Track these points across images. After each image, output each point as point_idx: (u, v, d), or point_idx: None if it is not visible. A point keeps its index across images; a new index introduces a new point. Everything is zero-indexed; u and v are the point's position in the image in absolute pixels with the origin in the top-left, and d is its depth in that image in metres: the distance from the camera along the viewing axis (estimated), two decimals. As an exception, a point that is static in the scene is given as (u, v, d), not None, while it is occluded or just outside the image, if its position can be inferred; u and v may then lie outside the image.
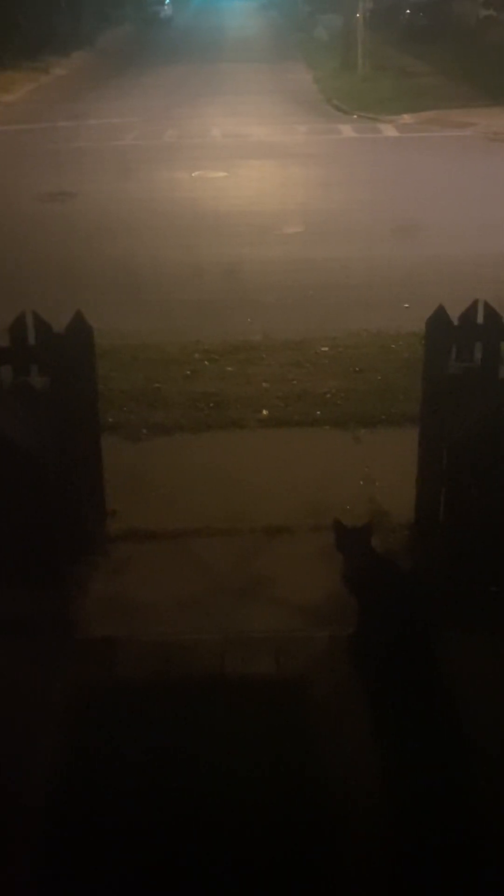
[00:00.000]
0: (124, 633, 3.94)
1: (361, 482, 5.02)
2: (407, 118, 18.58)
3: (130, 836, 2.99)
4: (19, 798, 3.15)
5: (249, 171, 14.28)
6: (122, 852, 2.96)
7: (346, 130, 18.05)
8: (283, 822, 3.04)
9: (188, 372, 6.59)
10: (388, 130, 17.94)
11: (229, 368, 6.65)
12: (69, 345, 4.23)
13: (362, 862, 2.93)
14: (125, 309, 7.79)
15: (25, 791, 3.17)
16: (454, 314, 4.15)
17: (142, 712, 3.49)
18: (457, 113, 18.63)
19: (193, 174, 14.08)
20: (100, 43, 35.00)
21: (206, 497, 4.94)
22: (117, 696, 3.59)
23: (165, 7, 46.23)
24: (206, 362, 6.77)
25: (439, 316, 4.14)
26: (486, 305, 4.18)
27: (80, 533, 4.37)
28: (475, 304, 4.19)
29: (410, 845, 2.98)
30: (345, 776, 3.21)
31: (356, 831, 3.02)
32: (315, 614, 4.02)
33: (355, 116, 19.25)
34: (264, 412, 5.91)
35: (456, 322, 4.15)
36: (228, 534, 4.64)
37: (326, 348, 6.91)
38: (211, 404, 6.02)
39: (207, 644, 3.85)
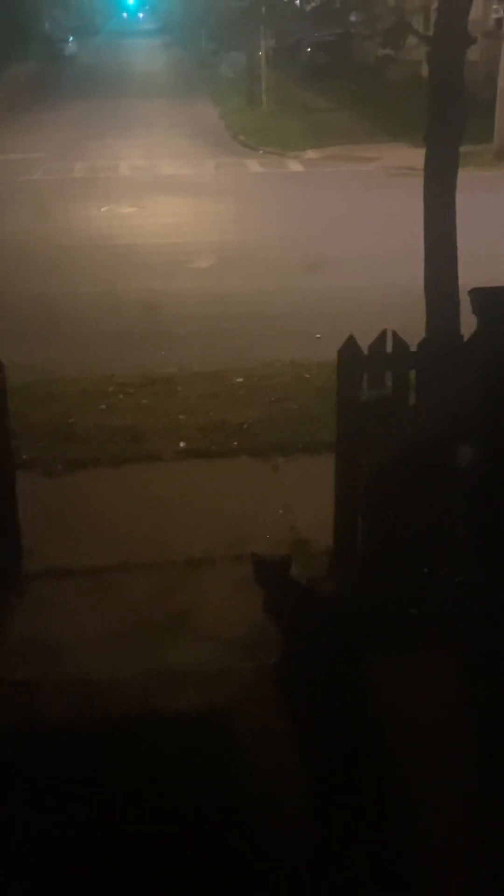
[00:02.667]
0: (44, 675, 3.85)
1: (281, 511, 5.05)
2: (311, 154, 19.01)
3: (50, 884, 2.91)
4: None
5: (159, 206, 14.37)
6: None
7: (253, 165, 18.35)
8: (210, 858, 3.00)
9: (103, 406, 6.55)
10: (294, 166, 18.32)
11: (145, 401, 6.63)
12: (-20, 382, 4.16)
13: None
14: (37, 344, 7.71)
15: None
16: (364, 343, 4.25)
17: (64, 755, 3.41)
18: (359, 148, 19.16)
19: (103, 209, 14.09)
20: (5, 79, 34.84)
21: (125, 531, 4.90)
22: (38, 739, 3.50)
23: (69, 44, 46.30)
24: (121, 396, 6.73)
25: (350, 346, 4.23)
26: (395, 335, 4.29)
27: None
28: (384, 333, 4.29)
29: (336, 876, 2.98)
30: (273, 807, 3.20)
31: (282, 864, 3.01)
32: (238, 645, 4.01)
33: (261, 152, 19.61)
34: (182, 444, 5.91)
35: (366, 351, 4.24)
36: (149, 568, 4.60)
37: (241, 379, 6.97)
38: (127, 438, 5.98)
39: (130, 681, 3.80)
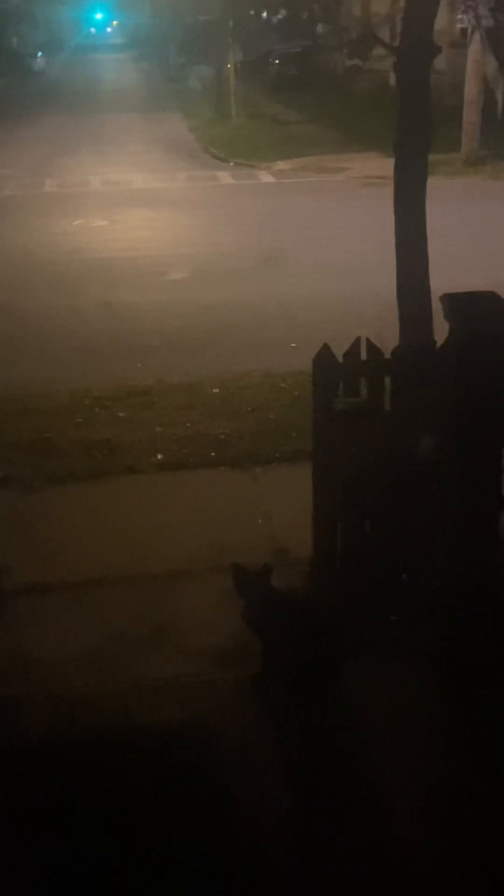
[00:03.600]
0: (23, 690, 3.82)
1: (260, 520, 5.05)
2: (282, 165, 19.11)
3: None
4: None
5: (131, 219, 14.38)
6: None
7: (225, 177, 18.42)
8: (194, 871, 2.98)
9: (79, 420, 6.52)
10: (265, 177, 18.40)
11: (121, 414, 6.62)
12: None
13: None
14: (11, 359, 7.68)
15: None
16: (339, 351, 4.26)
17: (47, 772, 3.38)
18: (330, 159, 19.28)
19: (75, 223, 14.07)
20: (-27, 95, 34.77)
21: (104, 545, 4.87)
22: (19, 756, 3.47)
23: (38, 59, 46.31)
24: (97, 409, 6.71)
25: (324, 354, 4.25)
26: (368, 342, 4.31)
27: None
28: (358, 340, 4.31)
29: (322, 886, 2.97)
30: (256, 817, 3.18)
31: (267, 875, 2.99)
32: (219, 657, 4.00)
33: (232, 164, 19.68)
34: (159, 456, 5.89)
35: (341, 359, 4.25)
36: (128, 581, 4.58)
37: (218, 390, 6.97)
38: (104, 451, 5.96)
39: (111, 695, 3.77)
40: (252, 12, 28.76)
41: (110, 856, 3.03)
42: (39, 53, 47.57)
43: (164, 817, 3.17)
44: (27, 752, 3.49)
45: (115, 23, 77.99)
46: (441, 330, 4.21)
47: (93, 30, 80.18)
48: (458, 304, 3.88)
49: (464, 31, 21.90)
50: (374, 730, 3.55)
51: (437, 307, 5.06)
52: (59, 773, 3.36)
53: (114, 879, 2.96)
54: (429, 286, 5.68)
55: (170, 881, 2.96)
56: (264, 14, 31.27)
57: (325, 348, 4.25)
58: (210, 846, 3.06)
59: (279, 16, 30.00)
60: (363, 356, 4.30)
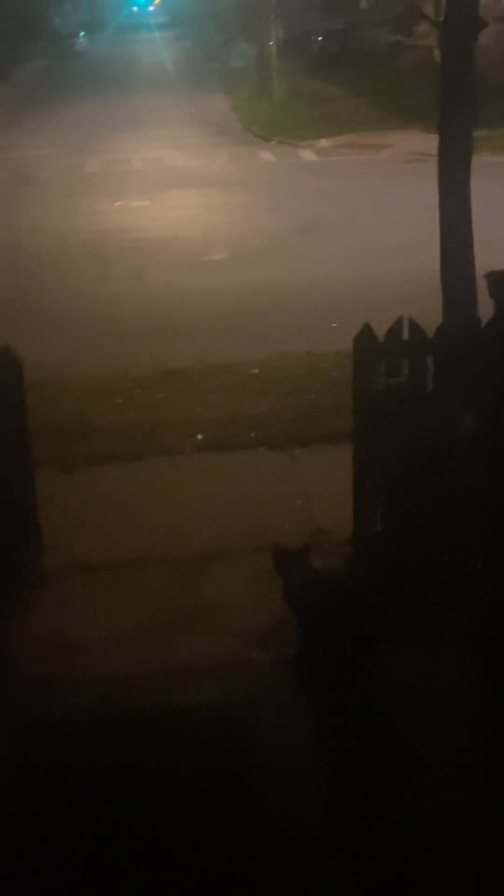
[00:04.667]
0: (65, 669, 3.86)
1: (299, 501, 5.03)
2: (324, 143, 18.92)
3: (72, 878, 2.92)
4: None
5: (172, 200, 14.35)
6: (63, 888, 2.88)
7: (266, 156, 18.29)
8: (232, 852, 3.00)
9: (120, 401, 6.55)
10: (307, 155, 18.23)
11: (161, 395, 6.63)
12: (-3, 379, 4.17)
13: (312, 885, 2.91)
14: (53, 341, 7.72)
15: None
16: (381, 331, 4.22)
17: (86, 750, 3.42)
18: (372, 136, 19.04)
19: (116, 204, 14.08)
20: (15, 77, 34.88)
21: (144, 526, 4.90)
22: (60, 734, 3.51)
23: (80, 40, 46.23)
24: (137, 390, 6.73)
25: (366, 334, 4.20)
26: (411, 321, 4.26)
27: (16, 569, 4.29)
28: (400, 320, 4.26)
29: (359, 866, 2.97)
30: (294, 798, 3.19)
31: (306, 854, 3.00)
32: (258, 637, 4.00)
33: (274, 142, 19.53)
34: (198, 437, 5.90)
35: (382, 339, 4.21)
36: (168, 561, 4.60)
37: (257, 371, 6.95)
38: (144, 432, 5.98)
39: (151, 675, 3.80)
40: (294, -12, 28.46)
41: (148, 834, 3.06)
42: (81, 33, 47.47)
43: (201, 796, 3.19)
44: (67, 730, 3.53)
45: (157, 1, 77.57)
46: (487, 309, 4.16)
47: (135, 9, 79.80)
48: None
49: (510, 4, 21.43)
50: (413, 712, 3.54)
51: (481, 286, 4.99)
52: (98, 752, 3.40)
53: (150, 856, 2.99)
54: (473, 264, 5.61)
55: (206, 860, 2.98)
56: (307, -10, 30.93)
57: (367, 328, 4.21)
58: (248, 826, 3.08)
59: (321, -8, 29.65)
60: (405, 336, 4.25)
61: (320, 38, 32.06)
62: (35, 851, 3.03)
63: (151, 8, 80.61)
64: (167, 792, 3.21)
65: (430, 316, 4.67)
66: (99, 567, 4.55)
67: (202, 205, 13.94)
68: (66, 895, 2.90)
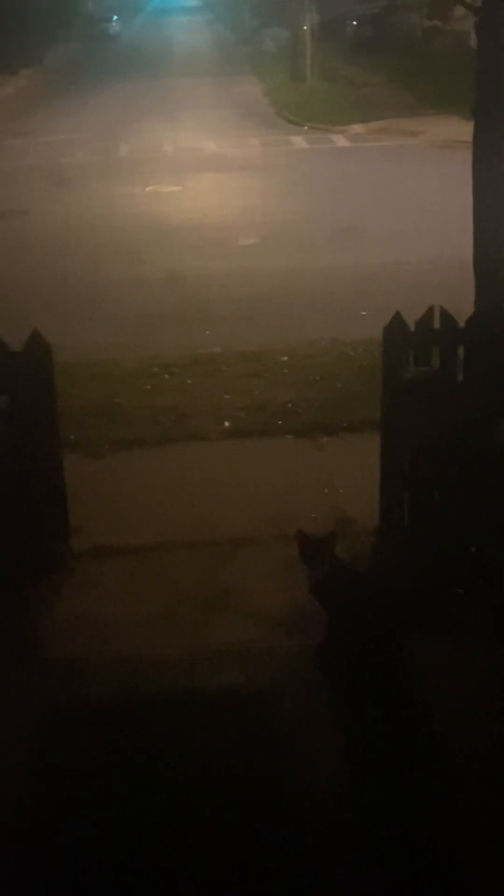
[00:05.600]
0: (91, 652, 3.90)
1: (325, 490, 5.03)
2: (357, 128, 18.76)
3: (100, 857, 2.95)
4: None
5: (203, 185, 14.31)
6: (90, 872, 2.92)
7: (298, 142, 18.18)
8: (253, 834, 3.02)
9: (148, 386, 6.57)
10: (340, 141, 18.10)
11: (189, 381, 6.64)
12: (27, 363, 4.20)
13: (336, 871, 2.92)
14: (83, 325, 7.75)
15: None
16: (411, 320, 4.19)
17: (111, 730, 3.45)
18: (406, 122, 18.85)
19: (147, 189, 14.07)
20: (48, 61, 34.88)
21: (170, 511, 4.92)
22: (86, 715, 3.55)
23: (113, 24, 46.15)
24: (165, 376, 6.75)
25: (396, 322, 4.17)
26: (442, 310, 4.22)
27: (43, 552, 4.33)
28: (431, 309, 4.23)
29: (384, 852, 2.97)
30: (316, 785, 3.20)
31: (328, 840, 3.01)
32: (282, 624, 4.01)
33: (306, 128, 19.39)
34: (226, 423, 5.90)
35: (413, 328, 4.18)
36: (193, 547, 4.62)
37: (286, 358, 6.93)
38: (172, 417, 6.00)
39: (176, 659, 3.82)
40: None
41: (168, 818, 3.08)
42: (114, 17, 47.40)
43: (221, 781, 3.21)
44: (92, 711, 3.56)
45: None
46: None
47: (168, -8, 79.48)
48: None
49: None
50: (437, 703, 3.53)
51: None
52: (121, 734, 3.43)
53: (171, 840, 3.01)
54: (505, 253, 5.55)
55: (227, 846, 3.00)
56: (342, -27, 30.60)
57: (397, 317, 4.18)
58: (267, 812, 3.09)
59: (357, -25, 29.31)
60: (436, 325, 4.22)
61: (355, 23, 31.70)
62: (60, 833, 3.07)
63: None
64: (184, 773, 3.23)
65: (464, 304, 4.62)
66: (124, 550, 4.58)
67: (233, 190, 13.89)
68: (84, 879, 2.92)
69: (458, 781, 3.21)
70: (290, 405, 6.08)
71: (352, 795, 3.18)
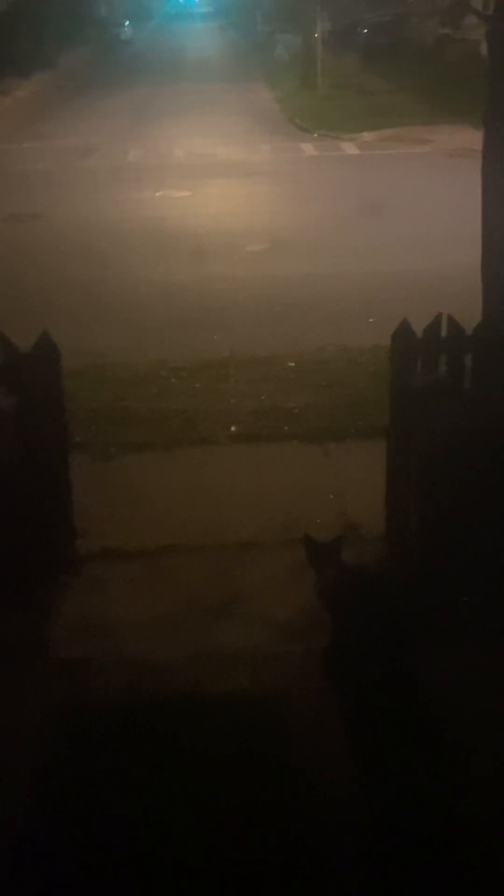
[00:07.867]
0: (98, 654, 3.91)
1: (332, 496, 5.03)
2: (367, 136, 18.79)
3: (102, 860, 2.96)
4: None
5: (213, 190, 14.36)
6: (92, 873, 2.93)
7: (308, 149, 18.22)
8: (259, 839, 3.02)
9: (156, 390, 6.59)
10: (350, 148, 18.13)
11: (197, 385, 6.66)
12: (36, 365, 4.22)
13: (342, 877, 2.92)
14: (92, 328, 7.78)
15: None
16: (419, 327, 4.20)
17: (117, 732, 3.46)
18: (416, 130, 18.87)
19: (158, 194, 14.12)
20: (61, 65, 34.92)
21: (177, 514, 4.93)
22: (92, 716, 3.56)
23: (126, 28, 46.31)
24: (173, 380, 6.77)
25: (404, 329, 4.19)
26: (450, 318, 4.24)
27: (50, 553, 4.34)
28: (439, 317, 4.24)
29: (391, 858, 2.98)
30: (322, 790, 3.21)
31: (335, 846, 3.02)
32: (289, 629, 4.02)
33: (316, 135, 19.43)
34: (233, 428, 5.92)
35: (420, 335, 4.19)
36: (200, 550, 4.63)
37: (294, 364, 6.95)
38: (180, 421, 6.01)
39: (182, 662, 3.83)
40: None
41: (172, 821, 3.09)
42: (126, 23, 47.56)
43: (227, 785, 3.22)
44: (97, 714, 3.57)
45: (202, -8, 77.39)
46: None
47: (180, -2, 79.69)
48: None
49: None
50: (443, 709, 3.53)
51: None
52: (126, 736, 3.44)
53: (174, 844, 3.02)
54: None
55: (231, 850, 3.00)
56: (354, -19, 30.71)
57: (405, 324, 4.20)
58: (274, 817, 3.10)
59: (369, -17, 29.43)
60: (444, 332, 4.23)
61: (366, 31, 31.81)
62: (63, 835, 3.08)
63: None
64: (189, 778, 3.24)
65: (474, 312, 4.64)
66: (131, 553, 4.60)
67: (243, 196, 13.92)
68: (86, 880, 2.93)
69: (465, 787, 3.22)
70: (297, 410, 6.10)
71: (359, 801, 3.18)
